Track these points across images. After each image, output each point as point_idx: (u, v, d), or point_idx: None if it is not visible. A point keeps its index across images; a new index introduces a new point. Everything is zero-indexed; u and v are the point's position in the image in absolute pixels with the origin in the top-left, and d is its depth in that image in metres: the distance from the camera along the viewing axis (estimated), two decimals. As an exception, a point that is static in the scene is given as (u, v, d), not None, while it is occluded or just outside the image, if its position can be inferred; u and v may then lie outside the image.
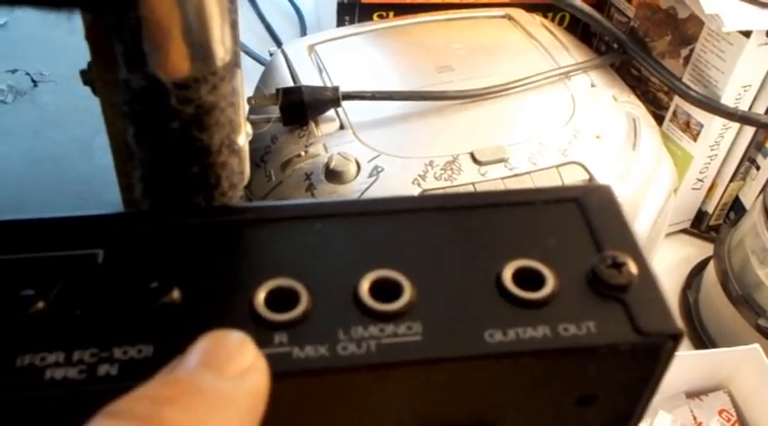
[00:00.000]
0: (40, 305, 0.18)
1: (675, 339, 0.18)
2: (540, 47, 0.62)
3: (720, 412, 0.53)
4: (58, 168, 0.56)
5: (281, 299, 0.18)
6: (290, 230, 0.20)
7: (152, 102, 0.18)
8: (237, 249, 0.20)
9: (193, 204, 0.20)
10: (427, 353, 0.18)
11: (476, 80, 0.57)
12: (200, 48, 0.17)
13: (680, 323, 0.18)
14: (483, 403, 0.19)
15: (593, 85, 0.60)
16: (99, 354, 0.17)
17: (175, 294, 0.18)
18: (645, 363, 0.19)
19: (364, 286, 0.19)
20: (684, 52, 0.64)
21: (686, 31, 0.63)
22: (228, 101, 0.19)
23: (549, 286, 0.19)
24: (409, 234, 0.20)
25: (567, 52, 0.62)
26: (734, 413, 0.53)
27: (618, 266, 0.19)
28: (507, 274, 0.19)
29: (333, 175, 0.52)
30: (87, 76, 0.29)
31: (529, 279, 0.19)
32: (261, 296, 0.18)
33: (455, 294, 0.19)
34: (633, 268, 0.19)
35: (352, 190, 0.52)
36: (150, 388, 0.16)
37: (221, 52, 0.18)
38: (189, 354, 0.16)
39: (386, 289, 0.19)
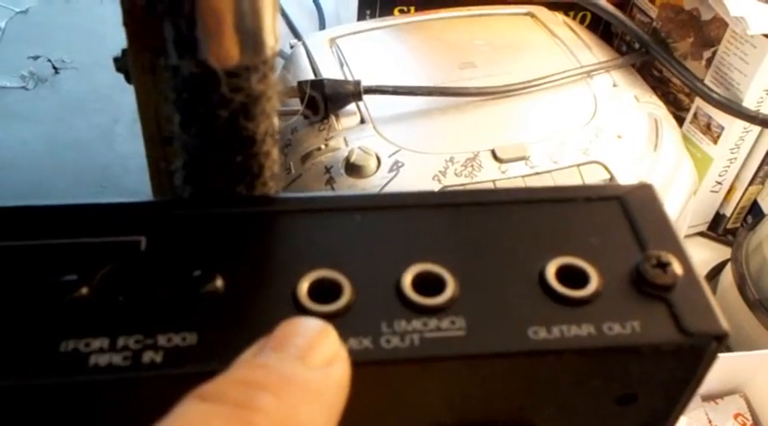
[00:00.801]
0: (84, 290, 0.18)
1: (720, 340, 0.18)
2: (563, 45, 0.62)
3: (736, 416, 0.53)
4: (78, 155, 0.56)
5: (324, 290, 0.18)
6: (331, 221, 0.20)
7: (202, 89, 0.18)
8: (279, 239, 0.20)
9: (235, 193, 0.20)
10: (471, 349, 0.18)
11: (498, 77, 0.57)
12: (252, 36, 0.17)
13: (725, 324, 0.18)
14: (522, 399, 0.19)
15: (615, 85, 0.59)
16: (143, 341, 0.17)
17: (218, 282, 0.18)
18: (687, 363, 0.19)
19: (407, 279, 0.19)
20: (707, 54, 0.63)
21: (709, 32, 0.63)
22: (274, 90, 0.19)
23: (593, 284, 0.19)
24: (451, 228, 0.20)
25: (590, 51, 0.62)
26: (749, 417, 0.53)
27: (663, 266, 0.19)
28: (551, 271, 0.19)
29: (353, 169, 0.52)
30: (121, 63, 0.29)
31: (572, 276, 0.19)
32: (304, 286, 0.18)
33: (498, 290, 0.19)
34: (678, 268, 0.19)
35: (372, 184, 0.51)
36: (239, 372, 0.15)
37: (271, 41, 0.17)
38: (272, 339, 0.16)
39: (428, 283, 0.19)
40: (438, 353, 0.17)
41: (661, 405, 0.20)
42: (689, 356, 0.18)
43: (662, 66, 0.66)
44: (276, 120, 0.20)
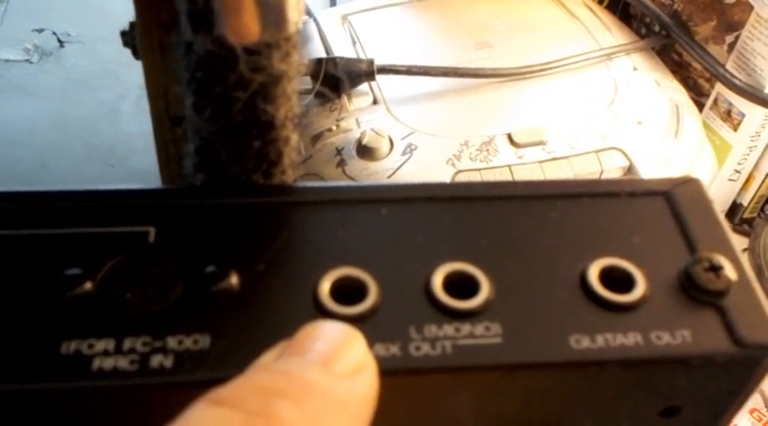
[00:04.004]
0: (88, 286, 0.16)
1: (777, 352, 0.17)
2: (582, 26, 0.60)
3: (752, 412, 0.52)
4: (83, 133, 0.55)
5: (348, 291, 0.17)
6: (355, 214, 0.19)
7: (218, 68, 0.16)
8: (299, 233, 0.18)
9: (251, 182, 0.19)
10: (508, 358, 0.16)
11: (515, 58, 0.56)
12: (274, 9, 0.15)
13: (784, 335, 0.17)
14: (559, 410, 0.18)
15: (635, 69, 0.58)
16: (152, 343, 0.16)
17: (233, 280, 0.17)
18: (738, 376, 0.17)
19: (437, 279, 0.17)
20: (729, 38, 0.61)
21: (732, 16, 0.61)
22: (297, 70, 0.17)
23: (640, 288, 0.17)
24: (484, 223, 0.19)
25: (610, 33, 0.60)
26: (765, 413, 0.52)
27: (715, 269, 0.17)
28: (593, 273, 0.17)
29: (365, 152, 0.50)
30: (128, 38, 0.28)
31: (617, 279, 0.17)
32: (326, 285, 0.17)
33: (536, 293, 0.17)
34: (731, 272, 0.17)
35: (384, 167, 0.50)
36: (257, 376, 0.14)
37: (295, 16, 0.16)
38: (293, 344, 0.15)
39: (461, 284, 0.17)
40: (472, 362, 0.16)
41: (706, 419, 0.18)
42: (741, 368, 0.17)
43: (682, 50, 0.64)
44: (297, 103, 0.18)
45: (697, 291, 0.17)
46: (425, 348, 0.16)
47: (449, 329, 0.16)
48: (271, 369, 0.14)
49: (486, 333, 0.16)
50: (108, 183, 0.19)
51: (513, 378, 0.16)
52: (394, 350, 0.16)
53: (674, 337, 0.17)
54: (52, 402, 0.16)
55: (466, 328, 0.16)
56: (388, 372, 0.16)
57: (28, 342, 0.16)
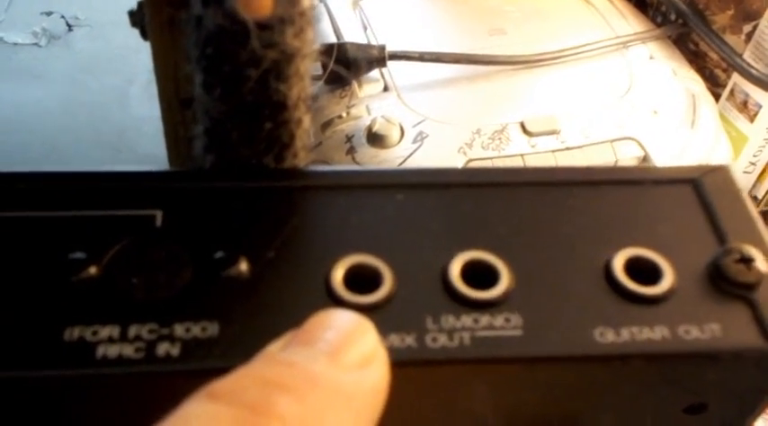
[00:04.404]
0: (92, 270, 0.16)
1: (809, 347, 0.16)
2: (598, 13, 0.59)
3: None
4: (92, 117, 0.54)
5: (361, 278, 0.16)
6: (370, 200, 0.18)
7: (229, 44, 0.15)
8: (311, 218, 0.17)
9: (262, 165, 0.18)
10: (529, 351, 0.15)
11: (529, 45, 0.55)
12: (288, -17, 0.15)
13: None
14: (580, 404, 0.17)
15: (651, 57, 0.57)
16: (158, 330, 0.15)
17: (243, 266, 0.16)
18: (768, 372, 0.17)
19: (455, 268, 0.16)
20: (747, 28, 0.60)
21: (750, 5, 0.60)
22: (311, 48, 0.16)
23: (667, 280, 0.16)
24: (502, 211, 0.18)
25: (626, 20, 0.59)
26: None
27: (746, 261, 0.17)
28: (618, 263, 0.17)
29: (375, 139, 0.50)
30: (136, 17, 0.27)
31: (643, 270, 0.17)
32: (338, 273, 0.16)
33: (558, 283, 0.17)
34: (763, 264, 0.17)
35: (395, 155, 0.49)
36: (259, 367, 0.13)
37: (310, -10, 0.15)
38: (301, 333, 0.14)
39: (479, 273, 0.16)
40: (491, 355, 0.15)
41: (732, 416, 0.18)
42: (772, 364, 0.16)
43: (699, 40, 0.63)
44: (310, 83, 0.18)
45: (727, 284, 0.16)
46: (442, 339, 0.15)
47: (467, 320, 0.16)
48: (275, 360, 0.14)
49: (506, 325, 0.16)
50: (117, 165, 0.18)
51: (534, 372, 0.16)
52: (409, 340, 0.15)
53: (702, 331, 0.16)
54: (55, 390, 0.15)
55: (485, 319, 0.16)
56: (404, 363, 0.15)
57: (30, 328, 0.15)
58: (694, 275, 0.17)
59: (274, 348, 0.14)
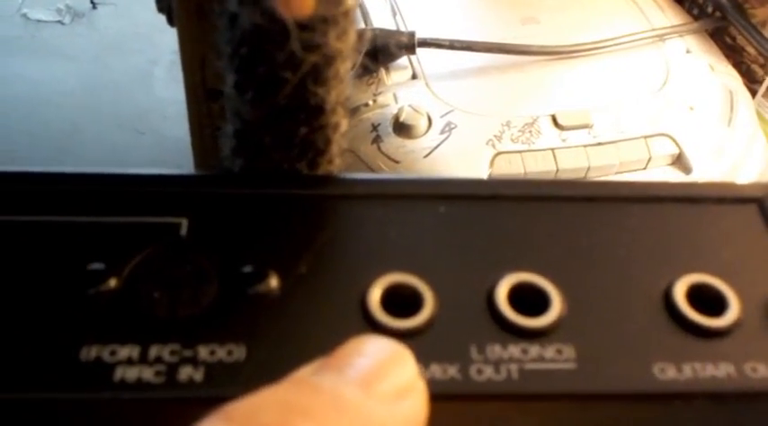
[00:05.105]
0: (112, 283, 0.15)
1: None
2: (634, 4, 0.57)
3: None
4: (115, 97, 0.53)
5: (400, 300, 0.15)
6: (409, 212, 0.17)
7: (266, 44, 0.14)
8: (346, 231, 0.16)
9: (295, 171, 0.17)
10: (583, 386, 0.14)
11: (562, 35, 0.53)
12: (333, -20, 0.13)
13: None
14: None
15: (688, 51, 0.55)
16: (181, 352, 0.14)
17: (273, 282, 0.15)
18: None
19: (502, 291, 0.15)
20: (789, 22, 0.58)
21: (794, -2, 0.57)
22: (352, 50, 0.15)
23: (733, 311, 0.15)
24: (552, 228, 0.17)
25: (662, 13, 0.57)
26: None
27: (820, 293, 0.15)
28: (679, 292, 0.15)
29: (402, 129, 0.48)
30: (163, 3, 0.26)
31: (706, 299, 0.15)
32: (375, 294, 0.15)
33: (613, 311, 0.15)
34: (838, 297, 0.15)
35: (422, 146, 0.48)
36: (284, 390, 0.12)
37: (355, -12, 0.14)
38: (332, 359, 0.13)
39: (529, 298, 0.15)
40: (541, 390, 0.14)
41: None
42: None
43: (737, 34, 0.61)
44: (348, 85, 0.16)
45: (798, 317, 0.15)
46: (488, 371, 0.14)
47: (515, 350, 0.14)
48: (302, 383, 0.13)
49: (557, 357, 0.14)
50: (139, 148, 0.17)
51: (587, 410, 0.15)
52: (452, 372, 0.14)
53: None
54: (68, 413, 0.14)
55: (534, 350, 0.15)
56: (445, 397, 0.14)
57: (45, 346, 0.14)
58: (762, 305, 0.15)
59: (304, 373, 0.13)
